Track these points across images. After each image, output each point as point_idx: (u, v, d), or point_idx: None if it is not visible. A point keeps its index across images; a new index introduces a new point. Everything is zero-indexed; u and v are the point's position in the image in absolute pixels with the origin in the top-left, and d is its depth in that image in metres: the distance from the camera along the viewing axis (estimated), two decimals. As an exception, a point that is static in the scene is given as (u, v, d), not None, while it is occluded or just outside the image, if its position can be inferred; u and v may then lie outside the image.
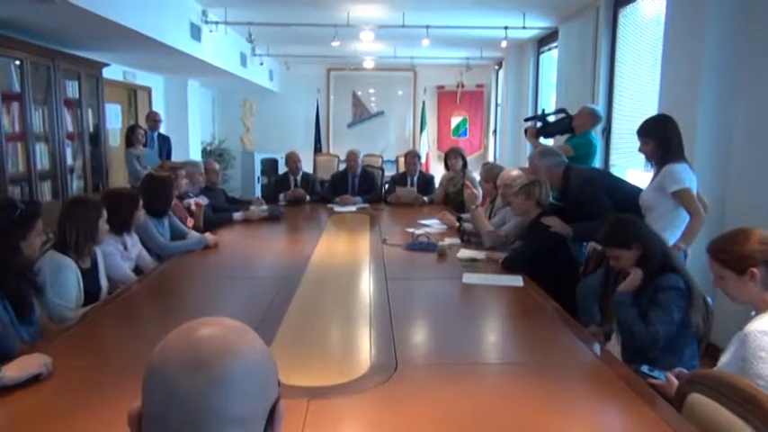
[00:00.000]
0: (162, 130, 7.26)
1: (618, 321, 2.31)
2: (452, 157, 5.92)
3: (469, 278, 3.03)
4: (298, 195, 5.85)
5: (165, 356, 0.73)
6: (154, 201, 3.52)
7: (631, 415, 1.65)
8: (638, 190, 3.31)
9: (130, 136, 6.39)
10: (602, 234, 2.50)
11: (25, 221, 2.24)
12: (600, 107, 5.08)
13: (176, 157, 7.06)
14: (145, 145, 6.48)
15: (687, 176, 2.97)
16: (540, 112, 5.88)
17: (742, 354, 1.74)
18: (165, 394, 0.71)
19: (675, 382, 1.83)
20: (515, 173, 3.88)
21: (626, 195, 3.34)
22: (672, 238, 2.91)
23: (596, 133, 4.90)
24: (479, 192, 4.58)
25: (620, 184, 3.66)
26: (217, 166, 5.45)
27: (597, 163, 4.85)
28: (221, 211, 4.83)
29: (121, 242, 3.14)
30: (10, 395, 1.61)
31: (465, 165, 5.91)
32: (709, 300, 2.32)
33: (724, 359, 1.84)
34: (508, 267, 3.23)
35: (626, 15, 5.23)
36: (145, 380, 0.73)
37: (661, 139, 3.06)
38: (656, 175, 3.11)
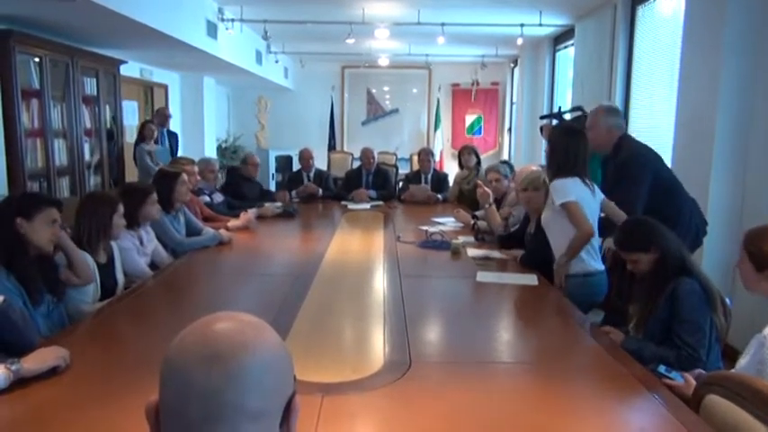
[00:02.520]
0: (172, 127, 7.31)
1: (644, 360, 2.17)
2: (466, 154, 5.92)
3: (483, 276, 3.01)
4: (311, 191, 5.87)
5: (182, 350, 0.73)
6: (160, 195, 3.52)
7: (647, 416, 1.64)
8: (678, 184, 3.19)
9: (142, 131, 6.46)
10: (617, 238, 2.46)
11: (30, 201, 2.23)
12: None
13: (191, 154, 7.13)
14: (157, 142, 6.55)
15: (574, 189, 2.85)
16: (555, 110, 5.84)
17: (760, 356, 1.72)
18: (182, 388, 0.71)
19: (693, 382, 1.81)
20: (534, 168, 3.85)
21: (668, 186, 3.15)
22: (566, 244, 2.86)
23: (613, 132, 4.85)
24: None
25: (667, 173, 3.32)
26: (257, 159, 5.72)
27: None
28: (237, 208, 4.82)
29: (137, 237, 3.17)
30: (28, 387, 1.63)
31: (479, 162, 5.90)
32: (727, 301, 2.29)
33: (743, 362, 1.81)
34: (526, 265, 3.22)
35: (644, 13, 5.17)
36: (162, 373, 0.74)
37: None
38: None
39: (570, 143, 2.93)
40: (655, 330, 2.21)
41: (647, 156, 3.19)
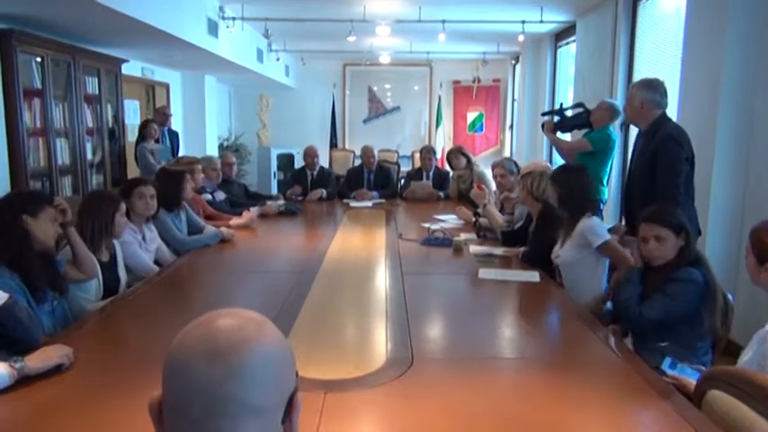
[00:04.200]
0: (174, 125, 7.31)
1: (617, 296, 2.36)
2: (454, 158, 5.89)
3: (485, 273, 3.01)
4: (315, 198, 5.77)
5: (185, 346, 0.74)
6: (166, 194, 3.52)
7: (650, 411, 1.64)
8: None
9: (143, 130, 6.46)
10: (654, 210, 2.39)
11: (35, 199, 2.25)
12: (618, 102, 5.02)
13: (193, 152, 7.11)
14: (157, 141, 6.54)
15: (604, 226, 2.91)
16: (557, 106, 5.83)
17: (763, 351, 1.72)
18: (185, 384, 0.72)
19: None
20: (541, 162, 3.86)
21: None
22: (593, 287, 2.91)
23: (614, 128, 4.84)
24: (489, 189, 4.53)
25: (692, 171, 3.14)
26: (233, 158, 5.49)
27: (616, 158, 4.80)
28: (239, 206, 4.83)
29: (140, 234, 3.17)
30: (32, 385, 1.64)
31: (469, 161, 5.87)
32: (729, 297, 2.29)
33: (745, 357, 1.81)
34: (527, 262, 3.22)
35: (645, 9, 5.16)
36: (165, 370, 0.74)
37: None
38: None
39: (577, 180, 2.99)
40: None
41: (682, 144, 3.01)
